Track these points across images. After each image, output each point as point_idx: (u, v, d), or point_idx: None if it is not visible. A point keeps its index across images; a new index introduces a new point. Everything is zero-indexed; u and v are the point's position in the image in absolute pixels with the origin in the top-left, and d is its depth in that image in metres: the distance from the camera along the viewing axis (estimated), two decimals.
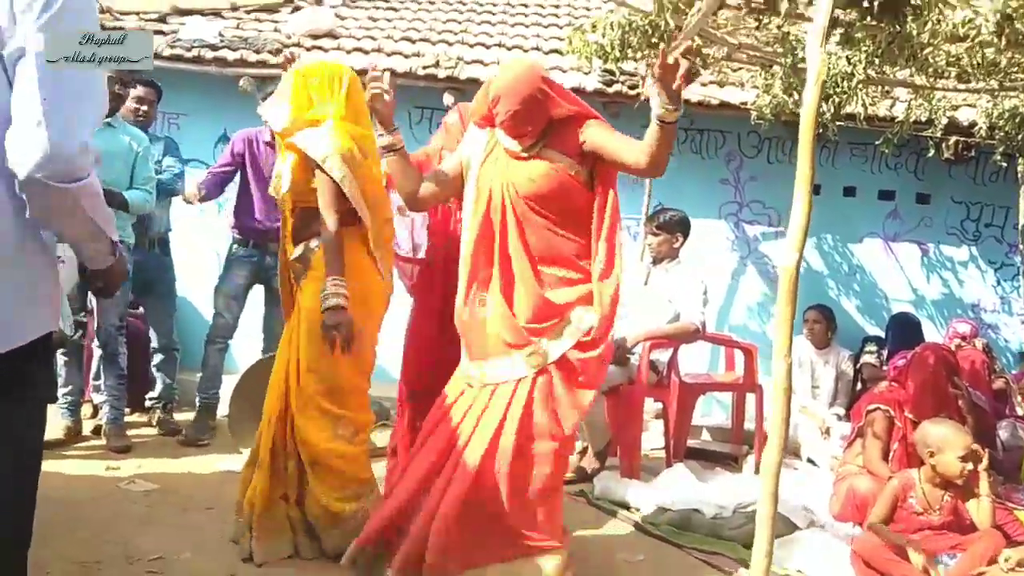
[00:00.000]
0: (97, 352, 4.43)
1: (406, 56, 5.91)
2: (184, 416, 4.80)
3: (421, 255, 3.49)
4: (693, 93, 5.57)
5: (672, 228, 4.58)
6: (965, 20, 3.75)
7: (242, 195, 4.63)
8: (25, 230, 1.51)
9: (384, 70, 2.89)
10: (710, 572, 3.16)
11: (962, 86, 4.74)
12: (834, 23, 3.69)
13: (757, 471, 4.36)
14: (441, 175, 2.90)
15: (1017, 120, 4.88)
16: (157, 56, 5.60)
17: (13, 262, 1.50)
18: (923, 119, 5.08)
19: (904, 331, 5.46)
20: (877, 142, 5.12)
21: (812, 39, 2.51)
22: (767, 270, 6.10)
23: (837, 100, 4.44)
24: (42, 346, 1.59)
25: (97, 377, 4.52)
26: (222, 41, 5.79)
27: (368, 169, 2.95)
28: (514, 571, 2.61)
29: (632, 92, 5.62)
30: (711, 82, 5.70)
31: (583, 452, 4.38)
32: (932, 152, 5.34)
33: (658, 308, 4.40)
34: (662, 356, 4.42)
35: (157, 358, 4.84)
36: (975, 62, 4.07)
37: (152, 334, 4.86)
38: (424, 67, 5.73)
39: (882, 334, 5.80)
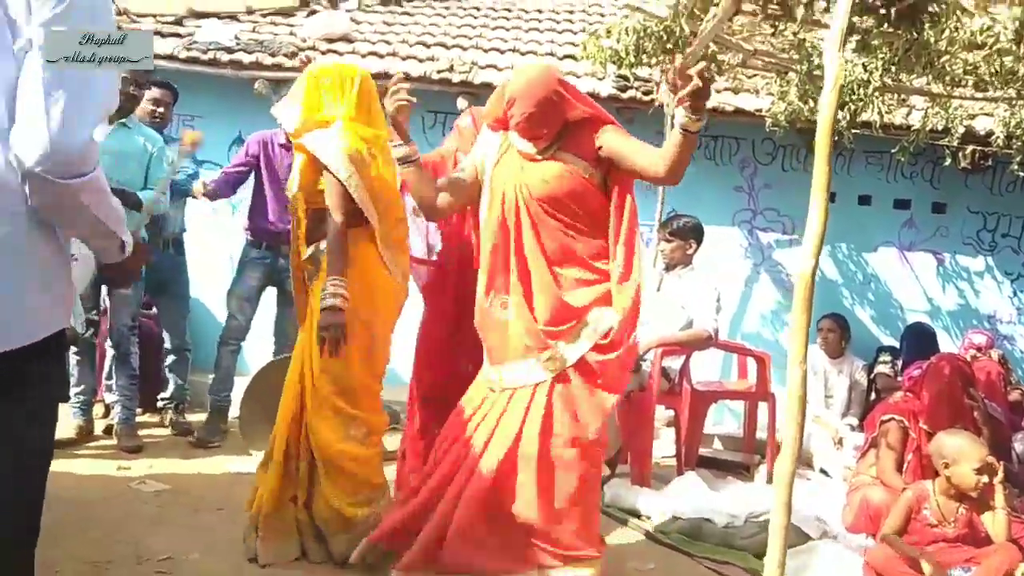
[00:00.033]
0: (110, 352, 4.45)
1: (420, 60, 5.92)
2: (196, 417, 4.81)
3: (434, 257, 3.48)
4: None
5: (685, 234, 4.57)
6: (983, 28, 3.73)
7: (256, 197, 4.65)
8: (38, 226, 1.50)
9: (402, 78, 2.89)
10: None
11: (979, 95, 4.71)
12: (851, 30, 3.67)
13: (769, 481, 4.33)
14: (457, 183, 2.89)
15: None
16: (173, 58, 5.64)
17: (25, 259, 1.49)
18: (940, 128, 5.03)
19: (919, 341, 5.41)
20: (893, 150, 5.08)
21: (830, 43, 2.49)
22: (781, 278, 6.07)
23: (853, 108, 4.42)
24: (54, 343, 1.58)
25: (109, 377, 4.53)
26: (238, 44, 5.82)
27: (377, 169, 2.94)
28: None
29: (646, 98, 5.61)
30: (726, 89, 5.68)
31: None
32: (948, 161, 5.30)
33: (671, 314, 4.38)
34: (674, 363, 4.40)
35: (169, 359, 4.85)
36: (993, 70, 4.03)
37: (165, 335, 4.88)
38: (438, 71, 5.74)
39: (897, 344, 5.75)
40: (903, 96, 5.15)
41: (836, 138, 3.73)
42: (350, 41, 6.26)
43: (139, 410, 4.61)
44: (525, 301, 2.69)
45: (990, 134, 5.07)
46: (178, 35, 5.95)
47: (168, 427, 4.74)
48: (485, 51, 6.22)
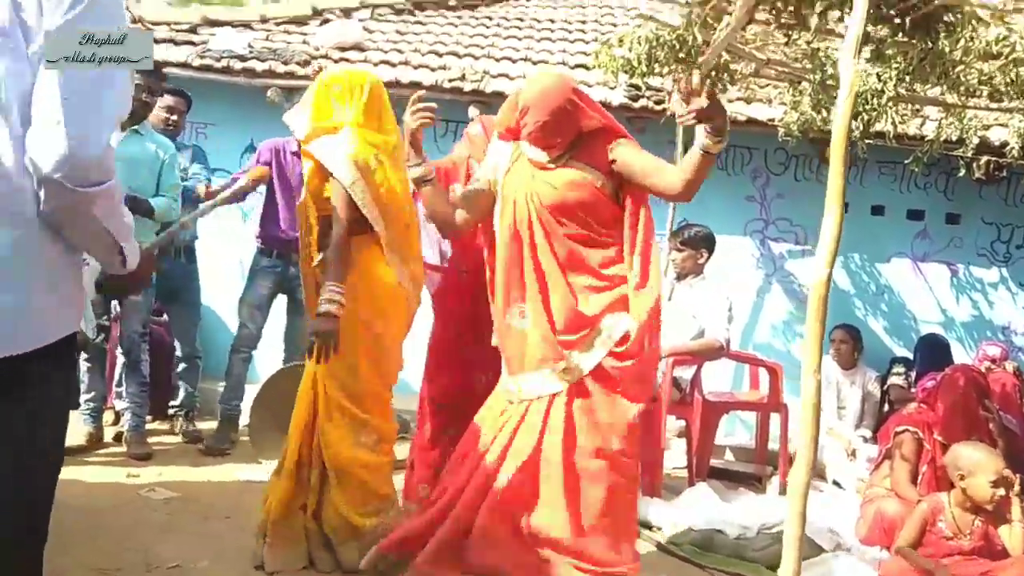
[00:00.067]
0: (120, 359, 4.45)
1: (432, 69, 5.93)
2: (206, 424, 4.81)
3: (446, 264, 3.48)
4: None
5: (697, 244, 4.55)
6: (999, 38, 3.72)
7: (267, 204, 4.65)
8: (51, 230, 1.50)
9: (423, 95, 2.90)
10: None
11: (994, 105, 4.67)
12: (865, 39, 3.66)
13: (781, 492, 4.30)
14: (472, 197, 2.88)
15: None
16: (187, 66, 5.67)
17: (37, 263, 1.49)
18: (954, 138, 5.00)
19: (933, 353, 5.38)
20: (906, 161, 5.05)
21: (846, 50, 2.48)
22: (793, 288, 6.04)
23: (866, 117, 4.39)
24: (64, 347, 1.58)
25: (120, 384, 4.53)
26: (251, 52, 5.84)
27: (384, 175, 2.92)
28: None
29: (658, 107, 5.60)
30: (738, 98, 5.66)
31: None
32: (963, 172, 5.26)
33: (682, 324, 4.36)
34: (685, 373, 4.37)
35: (180, 366, 4.85)
36: (1008, 80, 4.02)
37: (176, 342, 4.88)
38: (450, 80, 5.74)
39: (910, 355, 5.71)
40: (917, 106, 5.13)
41: (849, 148, 3.71)
42: (362, 50, 6.27)
43: (149, 417, 4.61)
44: (542, 309, 2.68)
45: (1005, 145, 5.03)
46: (192, 43, 5.98)
47: (178, 434, 4.73)
48: (497, 60, 6.23)
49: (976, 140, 5.03)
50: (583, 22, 7.52)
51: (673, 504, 3.91)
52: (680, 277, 4.58)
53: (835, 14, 3.96)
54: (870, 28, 3.75)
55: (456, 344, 3.47)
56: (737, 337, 5.56)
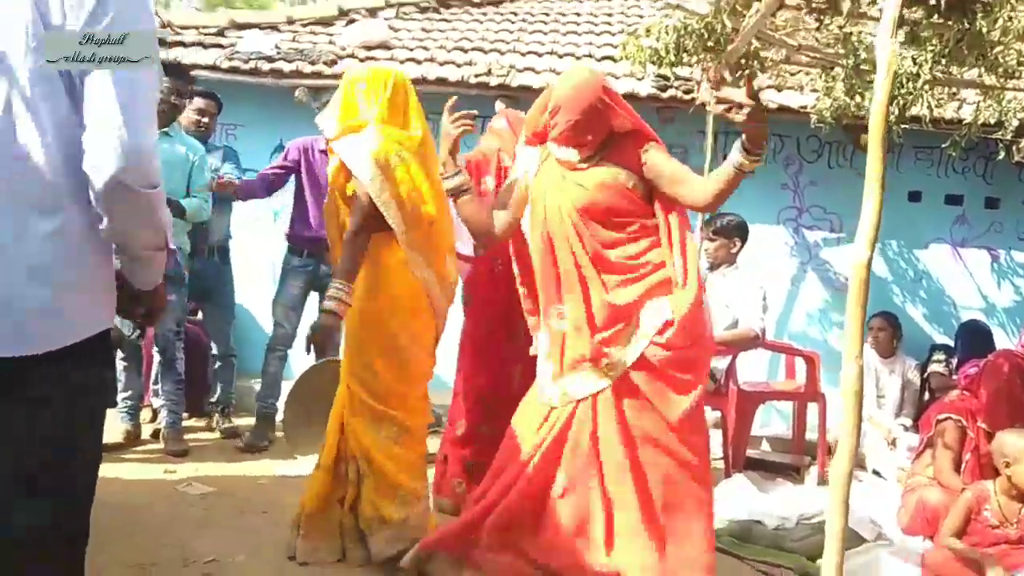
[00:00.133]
0: (156, 357, 4.50)
1: (458, 65, 5.92)
2: (242, 421, 4.85)
3: (481, 252, 3.45)
4: None
5: (730, 233, 4.50)
6: None
7: (297, 203, 4.67)
8: (86, 228, 1.51)
9: (452, 98, 2.87)
10: None
11: None
12: (899, 22, 3.58)
13: (820, 482, 4.25)
14: (508, 205, 2.83)
15: None
16: (215, 68, 5.71)
17: (71, 258, 1.50)
18: (992, 121, 4.89)
19: (974, 339, 5.26)
20: (944, 145, 4.94)
21: (883, 31, 2.43)
22: (828, 277, 5.95)
23: (902, 102, 4.30)
24: (98, 342, 1.58)
25: (156, 382, 4.58)
26: (278, 53, 5.87)
27: (407, 172, 2.89)
28: None
29: (687, 97, 5.53)
30: (769, 86, 5.58)
31: None
32: (1002, 155, 5.13)
33: (716, 314, 4.30)
34: (720, 363, 4.32)
35: (216, 365, 4.90)
36: None
37: (211, 341, 4.92)
38: (476, 76, 5.72)
39: (950, 342, 5.60)
40: (953, 90, 5.02)
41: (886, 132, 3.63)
42: (388, 48, 6.28)
43: (186, 414, 4.66)
44: (580, 308, 2.63)
45: None
46: (220, 46, 6.02)
47: (215, 431, 4.78)
48: (523, 55, 6.21)
49: (1016, 122, 4.90)
50: (609, 14, 7.47)
51: None
52: (713, 267, 4.53)
53: None
54: (904, 11, 3.67)
55: (489, 337, 3.47)
56: (772, 326, 5.49)
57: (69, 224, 1.48)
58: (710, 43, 4.51)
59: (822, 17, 4.23)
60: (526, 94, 5.48)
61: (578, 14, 7.46)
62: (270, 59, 5.79)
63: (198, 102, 4.74)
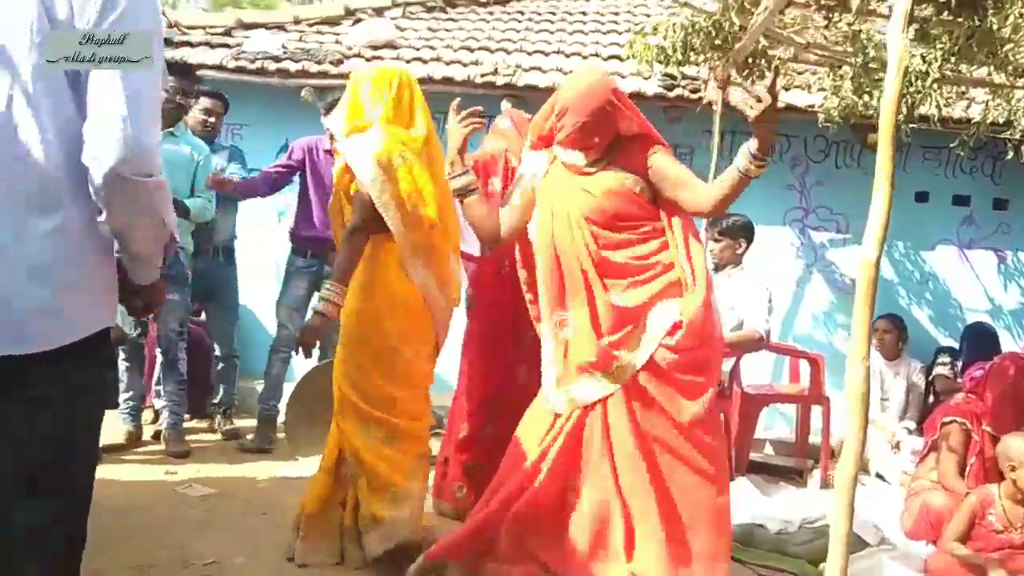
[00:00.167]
0: (159, 358, 4.50)
1: (464, 64, 5.91)
2: (243, 422, 4.84)
3: (488, 253, 3.43)
4: None
5: (735, 234, 4.48)
6: None
7: (301, 203, 4.66)
8: (86, 225, 1.51)
9: (456, 100, 2.86)
10: None
11: None
12: (909, 19, 3.55)
13: (823, 486, 4.22)
14: (514, 209, 2.81)
15: None
16: (222, 68, 5.71)
17: (71, 255, 1.49)
18: (1001, 120, 4.84)
19: (980, 342, 5.23)
20: (952, 145, 4.90)
21: (893, 26, 2.40)
22: (834, 278, 5.91)
23: (910, 100, 4.26)
24: (98, 341, 1.58)
25: (158, 383, 4.58)
26: (285, 53, 5.87)
27: (408, 173, 2.87)
28: None
29: (694, 96, 5.51)
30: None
31: None
32: (1011, 155, 5.09)
33: (721, 315, 4.27)
34: (724, 365, 4.29)
35: (218, 366, 4.89)
36: None
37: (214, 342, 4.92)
38: (482, 75, 5.71)
39: (956, 345, 5.56)
40: (962, 88, 4.97)
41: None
42: (395, 48, 6.27)
43: (188, 415, 4.66)
44: (585, 314, 2.60)
45: None
46: (227, 46, 6.02)
47: (217, 432, 4.78)
48: (529, 54, 6.19)
49: None
50: (615, 13, 7.44)
51: None
52: (718, 268, 4.51)
53: None
54: (914, 8, 3.64)
55: (495, 339, 3.44)
56: (777, 328, 5.45)
57: (69, 222, 1.48)
58: (718, 41, 4.49)
59: (831, 15, 4.20)
60: (532, 93, 5.47)
61: (584, 13, 7.44)
62: (276, 59, 5.79)
63: (205, 102, 4.74)
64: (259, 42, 6.02)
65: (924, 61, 4.00)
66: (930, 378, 5.32)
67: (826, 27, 4.47)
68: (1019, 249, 5.89)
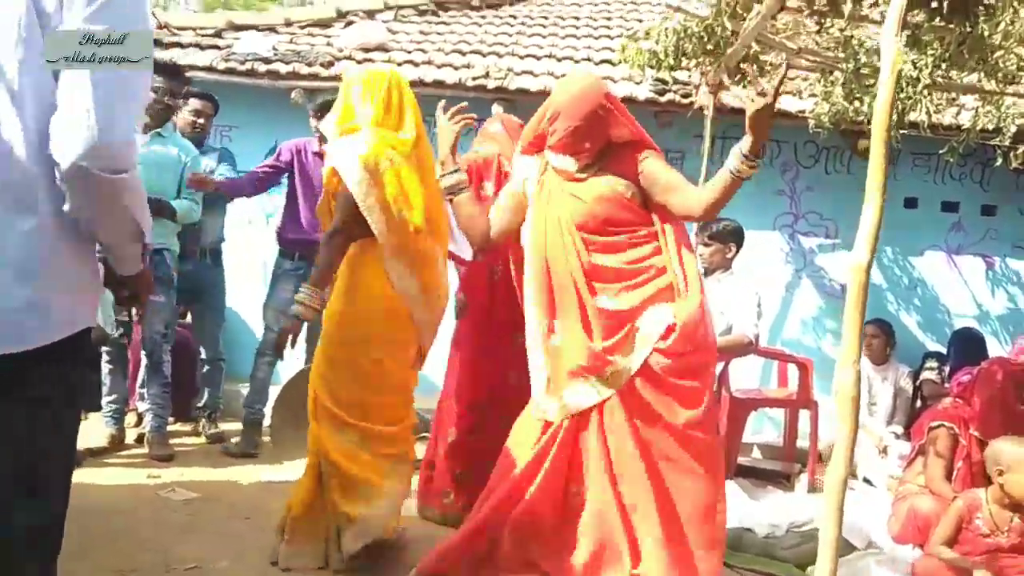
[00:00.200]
0: (143, 360, 4.46)
1: (456, 68, 5.90)
2: (228, 426, 4.80)
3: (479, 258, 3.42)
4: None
5: (725, 238, 4.47)
6: None
7: (289, 205, 4.65)
8: (64, 226, 1.49)
9: (442, 102, 2.86)
10: None
11: None
12: (901, 25, 3.55)
13: (810, 490, 4.22)
14: (505, 211, 2.81)
15: None
16: (211, 70, 5.69)
17: (51, 254, 1.48)
18: (990, 127, 4.86)
19: (967, 347, 5.24)
20: (941, 151, 4.91)
21: (887, 30, 2.40)
22: (823, 283, 5.92)
23: (901, 106, 4.27)
24: (78, 341, 1.56)
25: (142, 386, 4.54)
26: (275, 55, 5.85)
27: (395, 176, 2.84)
28: None
29: (685, 101, 5.51)
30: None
31: None
32: (999, 161, 5.11)
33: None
34: None
35: (204, 369, 4.85)
36: None
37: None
38: (474, 79, 5.70)
39: (943, 350, 5.57)
40: (953, 95, 4.99)
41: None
42: (386, 50, 6.26)
43: (172, 419, 4.62)
44: (577, 321, 2.59)
45: None
46: (217, 47, 6.00)
47: (201, 435, 4.74)
48: (521, 58, 6.18)
49: (1014, 128, 4.88)
50: (608, 18, 7.45)
51: None
52: (708, 272, 4.50)
53: (869, 0, 3.87)
54: (906, 14, 3.65)
55: (486, 343, 3.42)
56: (766, 333, 5.45)
57: (47, 220, 1.46)
58: (709, 46, 4.48)
59: (823, 20, 4.21)
60: (523, 97, 5.47)
61: (577, 17, 7.44)
62: (267, 60, 5.77)
63: (194, 103, 4.72)
64: (249, 44, 6.00)
65: (915, 67, 4.00)
66: (918, 383, 5.33)
67: (818, 32, 4.47)
68: (1007, 255, 5.92)
